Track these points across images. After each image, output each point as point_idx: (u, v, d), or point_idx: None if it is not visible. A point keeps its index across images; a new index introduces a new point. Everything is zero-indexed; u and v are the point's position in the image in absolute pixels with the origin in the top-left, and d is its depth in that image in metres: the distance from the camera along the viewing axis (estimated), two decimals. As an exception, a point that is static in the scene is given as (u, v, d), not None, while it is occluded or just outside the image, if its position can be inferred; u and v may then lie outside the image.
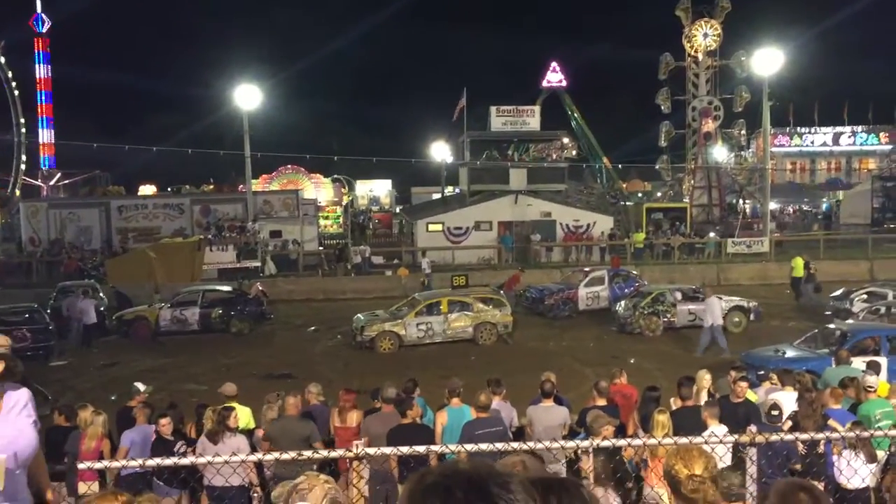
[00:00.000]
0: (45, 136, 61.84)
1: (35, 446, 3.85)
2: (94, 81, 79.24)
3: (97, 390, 17.82)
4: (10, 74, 56.08)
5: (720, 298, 21.52)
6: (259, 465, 8.46)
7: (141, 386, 10.99)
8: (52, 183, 59.25)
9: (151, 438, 8.86)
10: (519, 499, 1.60)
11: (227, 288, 26.86)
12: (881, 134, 71.16)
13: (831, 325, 17.93)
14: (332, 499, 2.69)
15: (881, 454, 8.36)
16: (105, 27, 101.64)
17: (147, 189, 60.67)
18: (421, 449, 4.37)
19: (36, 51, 61.42)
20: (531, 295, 27.08)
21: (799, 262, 28.60)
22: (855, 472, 7.31)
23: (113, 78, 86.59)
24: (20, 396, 3.81)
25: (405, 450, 4.21)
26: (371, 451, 4.01)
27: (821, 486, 7.93)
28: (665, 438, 5.15)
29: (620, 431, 8.82)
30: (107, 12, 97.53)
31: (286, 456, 4.45)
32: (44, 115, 61.93)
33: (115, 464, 5.11)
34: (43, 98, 61.79)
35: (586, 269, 29.04)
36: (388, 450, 4.18)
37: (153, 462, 4.82)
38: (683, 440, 5.23)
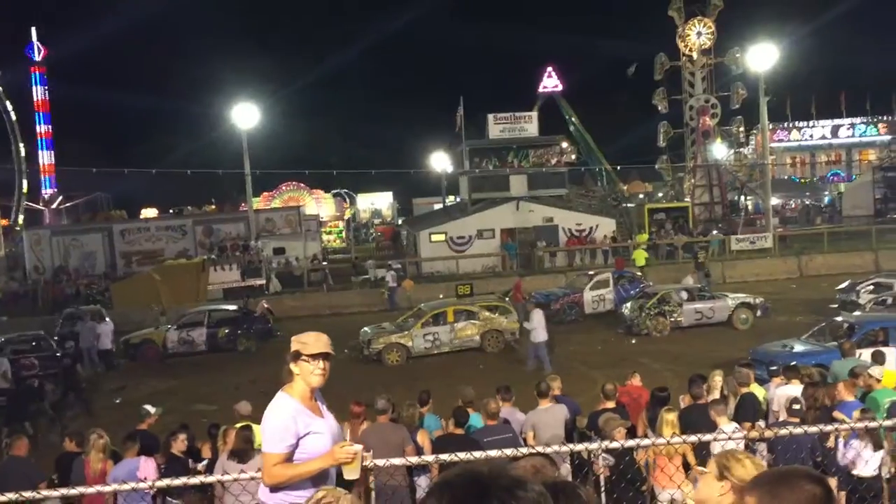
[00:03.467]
0: (45, 157, 61.94)
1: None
2: (92, 104, 79.36)
3: (108, 414, 17.83)
4: (7, 104, 56.33)
5: (542, 313, 20.13)
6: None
7: (151, 408, 11.00)
8: (53, 207, 59.45)
9: (137, 473, 8.64)
10: None
11: (232, 307, 26.87)
12: (880, 125, 71.04)
13: (839, 318, 17.90)
14: None
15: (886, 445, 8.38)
16: (102, 49, 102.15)
17: (149, 212, 60.94)
18: (430, 458, 4.37)
19: (32, 75, 61.63)
20: (537, 300, 27.04)
21: (640, 254, 32.99)
22: (865, 461, 7.32)
23: (110, 99, 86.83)
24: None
25: (414, 460, 4.22)
26: (380, 462, 4.02)
27: (833, 480, 7.94)
28: (674, 437, 5.16)
29: (630, 433, 8.82)
30: (103, 35, 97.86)
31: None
32: (43, 137, 62.04)
33: (161, 483, 5.11)
34: (42, 120, 61.92)
35: (591, 272, 29.02)
36: (397, 460, 4.19)
37: (179, 482, 4.81)
38: (692, 438, 5.24)
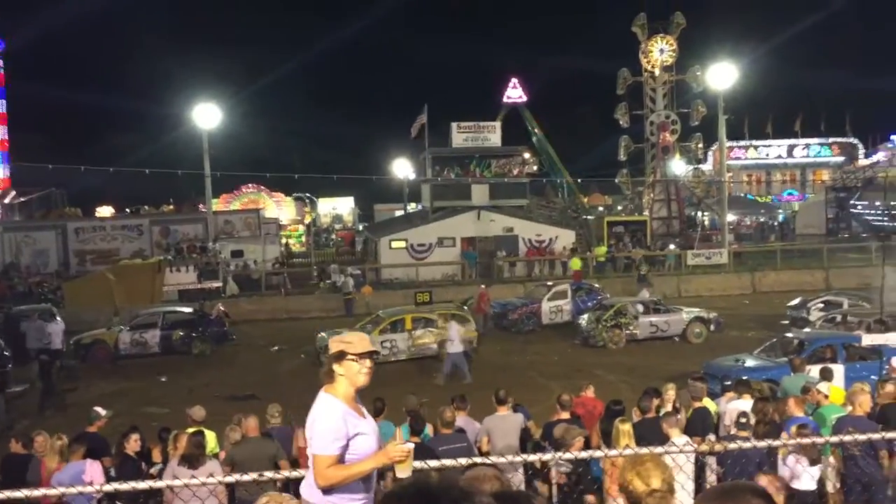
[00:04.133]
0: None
1: None
2: (51, 100, 78.00)
3: (56, 416, 17.46)
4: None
5: (459, 328, 20.56)
6: (231, 489, 8.33)
7: (101, 410, 10.80)
8: (6, 202, 58.06)
9: (83, 476, 8.45)
10: None
11: (187, 309, 26.51)
12: (834, 146, 72.78)
13: (789, 334, 18.28)
14: None
15: (831, 459, 8.57)
16: (62, 46, 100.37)
17: (104, 210, 59.86)
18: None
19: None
20: (495, 310, 27.17)
21: (576, 261, 34.56)
22: (801, 476, 7.52)
23: (69, 97, 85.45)
24: None
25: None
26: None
27: (782, 495, 8.09)
28: (626, 450, 5.22)
29: (584, 444, 8.89)
30: (64, 31, 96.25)
31: (249, 476, 4.43)
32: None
33: (109, 487, 5.01)
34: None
35: (549, 283, 29.22)
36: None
37: (127, 486, 4.73)
38: (644, 450, 5.30)
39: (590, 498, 7.97)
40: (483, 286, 29.35)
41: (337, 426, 3.93)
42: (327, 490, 3.90)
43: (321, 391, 4.10)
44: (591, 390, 11.68)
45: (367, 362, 4.03)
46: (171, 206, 59.77)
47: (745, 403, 9.62)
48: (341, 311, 30.67)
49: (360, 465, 3.92)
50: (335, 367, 4.02)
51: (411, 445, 3.95)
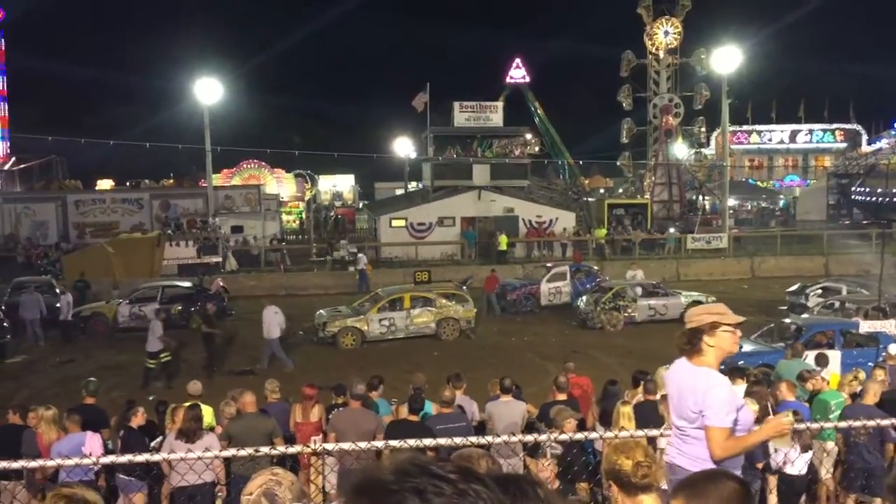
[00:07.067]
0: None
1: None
2: (51, 71, 77.27)
3: (54, 388, 17.54)
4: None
5: (276, 312, 19.73)
6: (228, 463, 8.37)
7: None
8: (6, 168, 57.80)
9: (83, 448, 8.40)
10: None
11: (186, 284, 26.52)
12: (837, 132, 72.52)
13: (787, 320, 18.29)
14: (266, 490, 2.69)
15: (830, 445, 8.59)
16: (64, 17, 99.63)
17: (104, 183, 59.74)
18: (380, 444, 4.39)
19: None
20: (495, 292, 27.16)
21: (503, 239, 35.13)
22: (792, 462, 7.55)
23: (70, 69, 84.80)
24: None
25: (363, 445, 4.21)
26: (329, 445, 4.01)
27: (773, 479, 8.15)
28: (622, 431, 5.22)
29: (580, 426, 8.91)
30: (66, 2, 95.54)
31: (245, 451, 4.44)
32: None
33: (106, 459, 5.03)
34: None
35: (548, 264, 29.21)
36: (345, 445, 4.19)
37: (124, 459, 4.75)
38: (640, 433, 5.31)
39: (582, 485, 8.00)
40: (493, 270, 29.13)
41: (730, 398, 4.00)
42: (720, 462, 3.93)
43: (690, 364, 4.09)
44: (572, 367, 11.52)
45: (738, 332, 4.12)
46: (172, 181, 59.65)
47: (739, 389, 9.63)
48: (340, 288, 30.66)
49: (754, 436, 4.05)
50: (706, 338, 4.04)
51: (792, 418, 4.10)
